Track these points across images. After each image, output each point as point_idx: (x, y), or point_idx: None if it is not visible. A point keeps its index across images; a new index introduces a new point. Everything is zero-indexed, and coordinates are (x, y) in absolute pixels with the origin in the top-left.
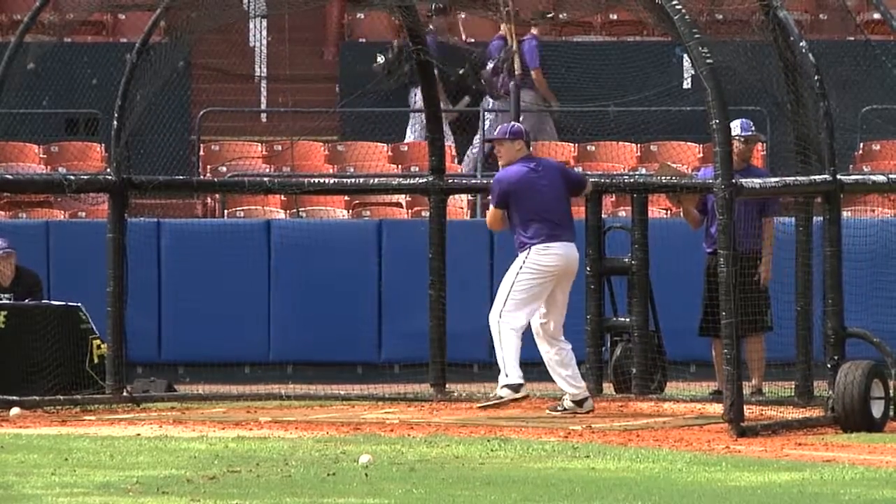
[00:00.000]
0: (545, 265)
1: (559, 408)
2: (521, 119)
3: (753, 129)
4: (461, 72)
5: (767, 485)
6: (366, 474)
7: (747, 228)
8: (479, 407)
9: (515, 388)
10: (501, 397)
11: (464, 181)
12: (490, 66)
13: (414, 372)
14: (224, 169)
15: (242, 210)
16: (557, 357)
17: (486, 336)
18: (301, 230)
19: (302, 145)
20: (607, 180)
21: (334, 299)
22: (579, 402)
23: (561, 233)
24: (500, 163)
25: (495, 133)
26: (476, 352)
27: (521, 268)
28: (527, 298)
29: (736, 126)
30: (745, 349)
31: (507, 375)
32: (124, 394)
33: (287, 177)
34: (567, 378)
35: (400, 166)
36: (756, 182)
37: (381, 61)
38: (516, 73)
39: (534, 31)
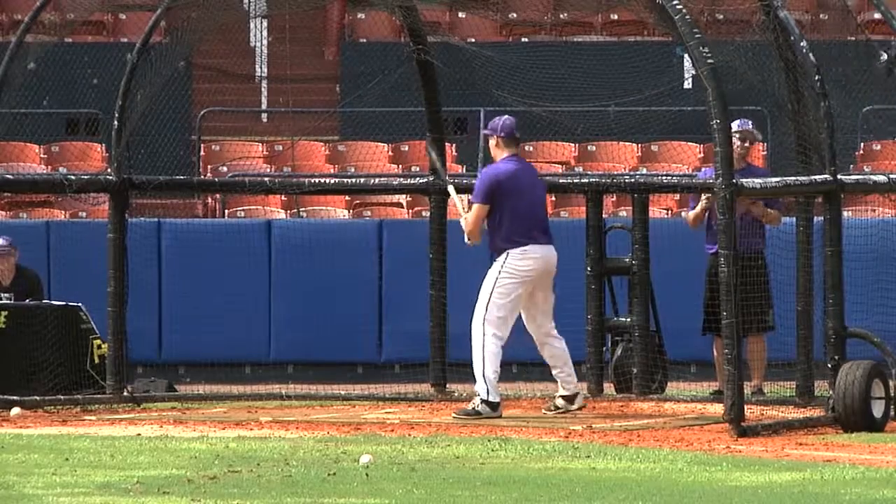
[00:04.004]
0: (523, 269)
1: (552, 407)
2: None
3: (750, 126)
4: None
5: (768, 485)
6: (366, 474)
7: (749, 228)
8: (455, 416)
9: (495, 406)
10: (479, 413)
11: (464, 181)
12: (883, 58)
13: (414, 372)
14: (225, 169)
15: (243, 210)
16: (548, 354)
17: None
18: (301, 230)
19: (302, 145)
20: (608, 180)
21: (334, 299)
22: (569, 399)
23: (538, 235)
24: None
25: (486, 129)
26: None
27: (499, 272)
28: (507, 304)
29: (734, 125)
30: (746, 349)
31: (487, 392)
32: (125, 394)
33: (287, 177)
34: (558, 376)
35: (400, 166)
36: (756, 182)
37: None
38: None
39: None
